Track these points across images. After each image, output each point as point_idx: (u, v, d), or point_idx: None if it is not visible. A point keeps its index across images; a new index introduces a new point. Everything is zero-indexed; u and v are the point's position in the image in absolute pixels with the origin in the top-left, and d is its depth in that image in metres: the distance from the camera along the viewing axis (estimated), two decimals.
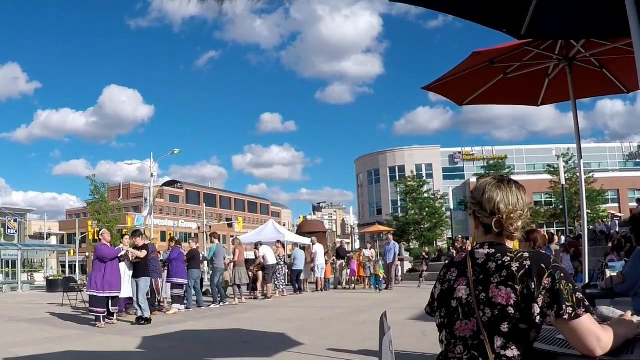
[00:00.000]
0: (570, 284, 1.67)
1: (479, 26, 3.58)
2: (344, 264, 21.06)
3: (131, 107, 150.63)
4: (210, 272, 15.58)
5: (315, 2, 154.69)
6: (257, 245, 17.13)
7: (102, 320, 9.75)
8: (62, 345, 7.65)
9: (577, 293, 1.67)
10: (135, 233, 11.19)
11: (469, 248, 2.00)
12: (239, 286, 14.49)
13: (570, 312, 1.63)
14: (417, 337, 7.53)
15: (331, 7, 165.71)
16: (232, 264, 14.74)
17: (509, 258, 1.74)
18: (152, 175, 37.12)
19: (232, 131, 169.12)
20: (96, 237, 41.38)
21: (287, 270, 18.81)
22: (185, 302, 12.94)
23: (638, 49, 2.61)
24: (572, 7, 3.57)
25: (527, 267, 1.69)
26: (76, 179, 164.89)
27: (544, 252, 1.79)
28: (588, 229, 9.58)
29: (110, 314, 10.10)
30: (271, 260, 16.11)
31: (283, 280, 17.09)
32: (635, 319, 1.95)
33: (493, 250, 1.80)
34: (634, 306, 3.52)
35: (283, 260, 17.12)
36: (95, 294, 9.83)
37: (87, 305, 11.07)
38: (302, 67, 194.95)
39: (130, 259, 10.42)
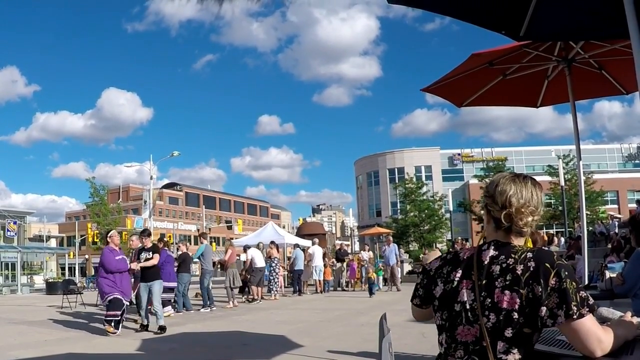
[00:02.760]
0: (574, 282, 1.65)
1: (476, 29, 3.59)
2: (343, 266, 21.05)
3: (130, 110, 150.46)
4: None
5: (312, 5, 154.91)
6: (245, 248, 16.93)
7: (112, 325, 8.87)
8: (62, 348, 7.64)
9: (581, 292, 1.65)
10: (144, 233, 10.21)
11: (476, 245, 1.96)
12: (232, 289, 14.27)
13: (576, 311, 1.61)
14: (416, 338, 7.53)
15: (328, 10, 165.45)
16: (224, 266, 14.60)
17: (513, 260, 1.71)
18: (151, 178, 37.19)
19: (231, 133, 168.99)
20: (96, 240, 41.48)
21: (285, 272, 18.77)
22: (176, 305, 12.58)
23: (637, 51, 2.62)
24: (571, 8, 3.57)
25: (531, 268, 1.67)
26: (75, 182, 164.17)
27: (545, 249, 1.76)
28: (587, 230, 9.58)
29: (117, 324, 9.05)
30: (259, 263, 15.73)
31: (276, 283, 16.79)
32: (635, 320, 1.95)
33: (497, 253, 1.77)
34: (633, 307, 3.52)
35: (276, 261, 16.79)
36: (110, 297, 8.94)
37: (96, 308, 10.34)
38: (300, 69, 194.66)
39: (135, 270, 9.58)
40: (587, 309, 1.63)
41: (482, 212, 1.91)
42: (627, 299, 3.77)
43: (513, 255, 1.73)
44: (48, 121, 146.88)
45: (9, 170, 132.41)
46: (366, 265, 19.68)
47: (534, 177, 1.91)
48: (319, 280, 18.98)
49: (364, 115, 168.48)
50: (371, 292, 16.61)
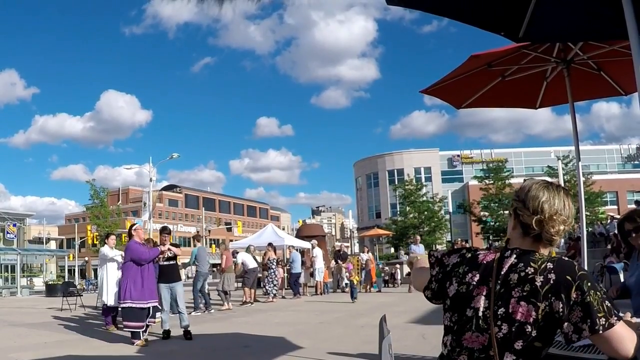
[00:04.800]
0: (598, 293, 1.60)
1: (474, 30, 3.61)
2: (343, 268, 21.02)
3: (129, 112, 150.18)
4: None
5: (310, 8, 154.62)
6: (234, 253, 16.85)
7: (142, 337, 8.12)
8: (61, 350, 7.63)
9: (606, 301, 1.61)
10: (165, 230, 9.35)
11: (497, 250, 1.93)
12: (225, 292, 14.18)
13: (604, 322, 1.57)
14: (416, 340, 7.54)
15: (325, 12, 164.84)
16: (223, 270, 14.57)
17: (532, 270, 1.66)
18: (150, 180, 37.09)
19: (229, 135, 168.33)
20: (95, 242, 41.44)
21: (284, 274, 18.73)
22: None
23: (636, 52, 2.62)
24: (570, 9, 3.57)
25: (552, 281, 1.62)
26: (74, 184, 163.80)
27: (566, 258, 1.74)
28: (587, 231, 9.58)
29: (145, 328, 8.39)
30: (251, 264, 15.61)
31: (276, 285, 16.70)
32: (635, 320, 1.95)
33: (517, 261, 1.72)
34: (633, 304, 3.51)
35: (274, 263, 16.67)
36: (132, 305, 8.11)
37: (96, 311, 9.82)
38: (298, 72, 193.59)
39: (166, 256, 8.71)
40: (616, 318, 1.59)
41: (509, 217, 1.85)
42: (627, 300, 3.76)
43: (533, 265, 1.68)
44: (47, 124, 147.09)
45: (8, 173, 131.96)
46: (365, 268, 19.67)
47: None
48: (320, 282, 18.96)
49: (362, 117, 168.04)
50: (352, 296, 15.04)
